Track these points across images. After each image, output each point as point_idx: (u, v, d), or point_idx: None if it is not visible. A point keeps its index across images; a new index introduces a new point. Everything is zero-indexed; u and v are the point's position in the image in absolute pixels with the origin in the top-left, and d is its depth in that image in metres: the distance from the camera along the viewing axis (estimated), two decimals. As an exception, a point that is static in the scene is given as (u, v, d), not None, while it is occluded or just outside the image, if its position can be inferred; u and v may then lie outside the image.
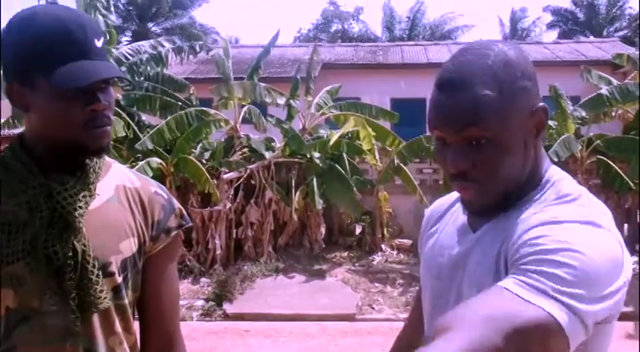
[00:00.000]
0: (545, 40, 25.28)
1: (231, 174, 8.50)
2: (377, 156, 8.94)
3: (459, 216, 1.16)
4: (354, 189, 8.65)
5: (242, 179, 8.58)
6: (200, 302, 7.37)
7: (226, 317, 7.06)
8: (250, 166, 8.64)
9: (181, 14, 29.27)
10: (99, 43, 1.16)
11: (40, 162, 1.20)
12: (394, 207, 9.39)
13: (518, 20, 30.01)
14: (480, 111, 0.99)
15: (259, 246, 8.69)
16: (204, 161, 8.71)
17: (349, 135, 9.23)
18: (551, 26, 29.12)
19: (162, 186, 1.38)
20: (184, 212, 1.38)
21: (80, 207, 1.18)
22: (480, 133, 1.00)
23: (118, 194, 1.28)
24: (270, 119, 9.37)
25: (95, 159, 1.26)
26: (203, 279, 8.04)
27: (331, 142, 8.66)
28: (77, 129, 1.16)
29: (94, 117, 1.17)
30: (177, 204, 1.37)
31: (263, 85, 9.33)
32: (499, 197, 1.05)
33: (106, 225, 1.24)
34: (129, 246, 1.26)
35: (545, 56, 15.12)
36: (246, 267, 8.19)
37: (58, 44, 1.12)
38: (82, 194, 1.20)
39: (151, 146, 8.10)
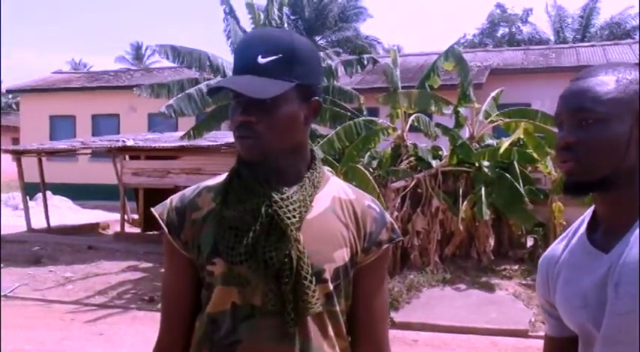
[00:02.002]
0: None
1: (398, 182, 8.55)
2: (550, 165, 8.49)
3: (582, 247, 1.24)
4: (526, 199, 8.29)
5: (409, 188, 8.58)
6: (367, 309, 7.48)
7: (393, 324, 7.09)
8: (417, 175, 8.62)
9: (346, 27, 30.07)
10: (264, 60, 1.24)
11: (266, 172, 1.30)
12: (569, 218, 8.83)
13: None
14: (592, 95, 1.15)
15: (425, 255, 8.63)
16: (371, 169, 8.85)
17: (520, 143, 8.87)
18: None
19: (376, 200, 1.42)
20: (395, 226, 1.41)
21: (294, 217, 1.25)
22: (589, 114, 1.14)
23: (334, 205, 1.34)
24: (437, 127, 9.29)
25: (315, 173, 1.34)
26: (370, 286, 8.14)
27: (501, 150, 8.38)
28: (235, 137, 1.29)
29: (237, 127, 1.27)
30: (388, 218, 1.40)
31: (429, 92, 9.29)
32: (595, 177, 1.15)
33: (322, 234, 1.30)
34: (342, 256, 1.30)
35: None
36: (412, 276, 8.17)
37: (235, 60, 1.30)
38: (297, 205, 1.27)
39: (321, 155, 8.41)
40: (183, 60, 9.85)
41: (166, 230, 1.35)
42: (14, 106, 34.97)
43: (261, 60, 1.24)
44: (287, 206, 1.26)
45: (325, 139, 8.63)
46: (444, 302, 7.53)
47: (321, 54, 10.10)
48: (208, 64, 9.81)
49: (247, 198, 1.28)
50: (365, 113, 9.99)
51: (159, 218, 1.36)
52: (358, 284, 1.35)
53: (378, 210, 1.38)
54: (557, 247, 1.34)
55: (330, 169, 8.44)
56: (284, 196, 1.27)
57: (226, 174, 1.36)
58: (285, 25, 10.69)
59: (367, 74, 14.71)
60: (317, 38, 29.50)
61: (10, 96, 35.73)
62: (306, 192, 1.30)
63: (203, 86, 9.48)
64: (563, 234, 1.34)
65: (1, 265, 9.32)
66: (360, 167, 8.37)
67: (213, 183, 1.38)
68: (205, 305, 1.32)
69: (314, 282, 1.26)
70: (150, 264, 9.69)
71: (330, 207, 1.34)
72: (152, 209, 1.39)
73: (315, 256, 1.28)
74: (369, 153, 8.98)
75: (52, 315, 7.34)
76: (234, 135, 1.28)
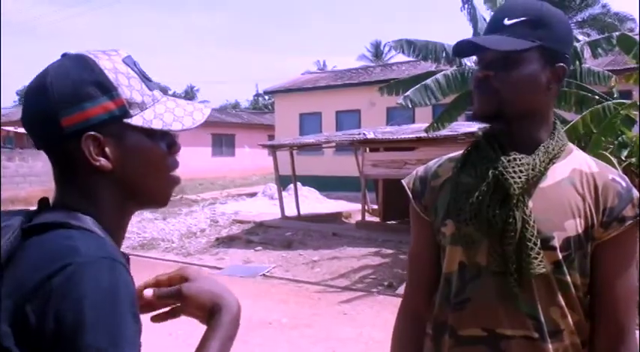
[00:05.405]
0: None
1: (656, 171, 7.69)
2: None
3: None
4: None
5: (669, 178, 7.66)
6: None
7: None
8: (680, 163, 7.66)
9: (592, 3, 27.57)
10: (509, 21, 1.29)
11: (501, 138, 1.35)
12: None
13: None
14: None
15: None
16: (622, 158, 8.09)
17: None
18: None
19: (623, 176, 1.37)
20: None
21: (519, 178, 1.27)
22: None
23: (572, 176, 1.33)
24: None
25: (552, 142, 1.34)
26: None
27: None
28: None
29: (475, 85, 1.33)
30: (636, 194, 1.33)
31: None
32: None
33: (555, 203, 1.31)
34: (573, 226, 1.29)
35: None
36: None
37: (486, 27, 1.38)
38: (524, 167, 1.28)
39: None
40: (419, 53, 10.00)
41: (411, 196, 1.48)
42: (270, 107, 38.82)
43: (507, 21, 1.30)
44: (512, 167, 1.29)
45: (569, 125, 8.10)
46: None
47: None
48: (444, 55, 9.84)
49: (480, 165, 1.34)
50: (616, 96, 9.14)
51: (406, 187, 1.50)
52: (598, 260, 1.32)
53: (624, 185, 1.33)
54: None
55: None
56: (510, 158, 1.30)
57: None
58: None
59: (619, 54, 13.38)
60: (561, 19, 27.52)
61: (266, 97, 39.70)
62: (538, 158, 1.31)
63: (440, 76, 9.54)
64: None
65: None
66: (605, 154, 7.67)
67: (455, 155, 1.47)
68: (442, 266, 1.41)
69: (538, 245, 1.26)
70: (389, 251, 10.08)
71: (569, 178, 1.34)
72: (402, 181, 1.53)
73: (545, 223, 1.29)
74: (619, 139, 8.21)
75: (302, 294, 8.08)
76: (473, 93, 1.34)
